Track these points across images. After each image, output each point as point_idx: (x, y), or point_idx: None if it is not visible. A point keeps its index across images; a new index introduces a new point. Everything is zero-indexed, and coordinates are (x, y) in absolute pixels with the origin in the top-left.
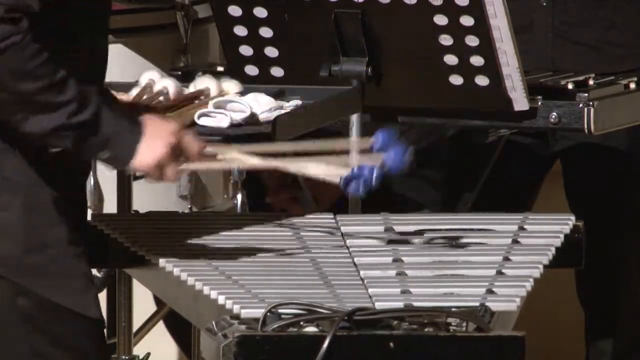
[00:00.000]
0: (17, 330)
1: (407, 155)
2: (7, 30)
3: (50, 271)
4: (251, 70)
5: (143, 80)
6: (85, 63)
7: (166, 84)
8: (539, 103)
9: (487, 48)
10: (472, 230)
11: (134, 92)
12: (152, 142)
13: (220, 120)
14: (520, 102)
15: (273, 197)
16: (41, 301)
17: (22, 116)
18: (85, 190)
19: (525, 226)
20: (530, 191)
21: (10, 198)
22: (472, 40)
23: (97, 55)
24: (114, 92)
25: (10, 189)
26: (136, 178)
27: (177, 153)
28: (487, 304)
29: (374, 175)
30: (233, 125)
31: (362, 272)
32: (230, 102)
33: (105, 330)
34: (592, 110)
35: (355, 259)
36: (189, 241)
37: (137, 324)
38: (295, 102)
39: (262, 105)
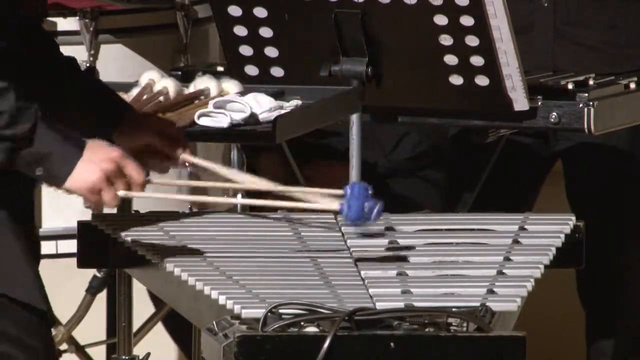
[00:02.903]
0: None
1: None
2: None
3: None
4: (251, 70)
5: (143, 80)
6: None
7: (166, 84)
8: (539, 103)
9: (487, 48)
10: (472, 230)
11: (134, 92)
12: (87, 166)
13: (220, 120)
14: (520, 102)
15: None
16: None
17: None
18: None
19: (526, 226)
20: (530, 191)
21: None
22: (472, 40)
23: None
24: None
25: None
26: None
27: (112, 179)
28: (488, 304)
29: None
30: (233, 125)
31: (362, 272)
32: (230, 102)
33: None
34: (592, 110)
35: (356, 259)
36: (189, 241)
37: (137, 324)
38: (295, 102)
39: (262, 105)
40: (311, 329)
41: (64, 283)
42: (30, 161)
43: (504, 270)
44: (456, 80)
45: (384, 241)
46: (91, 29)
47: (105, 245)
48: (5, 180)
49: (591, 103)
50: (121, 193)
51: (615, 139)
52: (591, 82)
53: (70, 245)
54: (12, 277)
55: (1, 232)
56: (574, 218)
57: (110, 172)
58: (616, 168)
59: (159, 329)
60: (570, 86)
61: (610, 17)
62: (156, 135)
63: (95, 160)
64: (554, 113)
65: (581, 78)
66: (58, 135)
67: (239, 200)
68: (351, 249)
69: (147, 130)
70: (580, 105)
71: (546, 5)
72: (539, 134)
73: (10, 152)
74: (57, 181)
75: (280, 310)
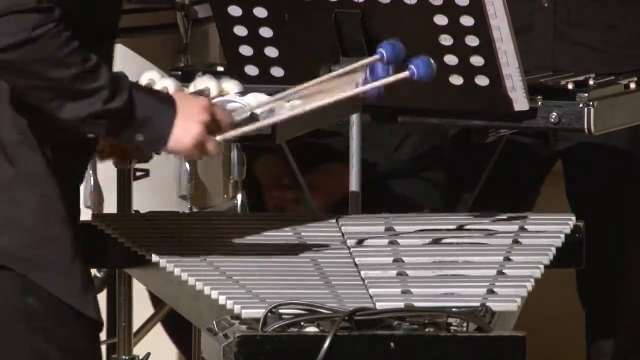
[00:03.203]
0: (19, 327)
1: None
2: (39, 18)
3: (56, 267)
4: (251, 70)
5: (143, 80)
6: None
7: (166, 84)
8: (539, 103)
9: (487, 48)
10: (472, 230)
11: None
12: (186, 123)
13: None
14: (520, 102)
15: (269, 196)
16: (47, 299)
17: (57, 103)
18: (79, 191)
19: (526, 226)
20: (531, 191)
21: (24, 192)
22: (472, 40)
23: (105, 60)
24: None
25: (24, 182)
26: (136, 178)
27: (212, 128)
28: (488, 304)
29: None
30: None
31: (362, 272)
32: (230, 102)
33: (101, 334)
34: (592, 110)
35: (356, 259)
36: (189, 241)
37: (137, 324)
38: (295, 102)
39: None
40: (311, 329)
41: None
42: (131, 129)
43: (504, 270)
44: (456, 80)
45: (384, 241)
46: None
47: (105, 245)
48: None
49: (591, 103)
50: (218, 138)
51: (615, 139)
52: (591, 82)
53: None
54: (70, 280)
55: (62, 230)
56: (574, 218)
57: (208, 122)
58: (616, 168)
59: (159, 329)
60: (570, 86)
61: (611, 17)
62: None
63: (192, 114)
64: (554, 113)
65: (581, 78)
66: (151, 98)
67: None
68: (351, 249)
69: None
70: (580, 105)
71: (546, 5)
72: (539, 134)
73: (113, 126)
74: (160, 144)
75: (280, 310)
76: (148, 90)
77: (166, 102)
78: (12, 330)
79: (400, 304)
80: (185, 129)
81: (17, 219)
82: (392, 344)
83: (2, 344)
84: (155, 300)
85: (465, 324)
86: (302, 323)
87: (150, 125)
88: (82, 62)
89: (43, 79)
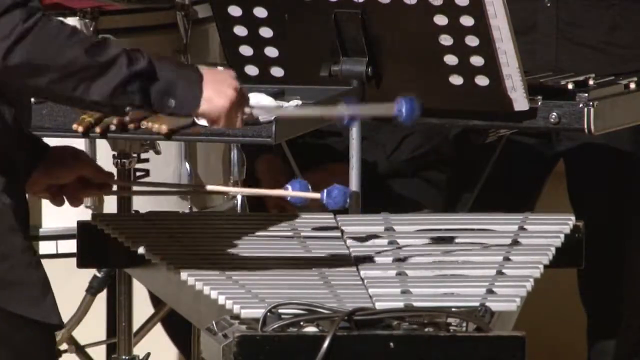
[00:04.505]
0: None
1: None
2: (25, 11)
3: (9, 282)
4: (251, 70)
5: None
6: None
7: None
8: (539, 103)
9: (487, 48)
10: (472, 230)
11: None
12: (220, 87)
13: None
14: (520, 102)
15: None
16: (2, 313)
17: (83, 87)
18: (24, 189)
19: (526, 226)
20: (532, 191)
21: None
22: (472, 40)
23: None
24: None
25: None
26: (136, 178)
27: (241, 100)
28: (487, 304)
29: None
30: None
31: (362, 272)
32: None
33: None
34: (592, 110)
35: (356, 259)
36: (189, 241)
37: (137, 324)
38: (295, 102)
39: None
40: (311, 329)
41: (64, 283)
42: (162, 94)
43: (504, 270)
44: (456, 80)
45: (384, 241)
46: (91, 29)
47: (105, 245)
48: (11, 181)
49: (591, 103)
50: (249, 109)
51: (617, 140)
52: (591, 82)
53: (70, 245)
54: (25, 292)
55: (14, 242)
56: (573, 218)
57: (239, 92)
58: (618, 168)
59: (159, 329)
60: (570, 86)
61: (613, 18)
62: (89, 166)
63: (224, 80)
64: (554, 113)
65: (581, 78)
66: (173, 65)
67: None
68: (351, 249)
69: (79, 161)
70: (580, 105)
71: (549, 5)
72: (542, 134)
73: (144, 90)
74: (192, 107)
75: (280, 310)
76: (168, 58)
77: (188, 67)
78: None
79: (400, 304)
80: (219, 92)
81: None
82: (391, 344)
83: None
84: (155, 300)
85: (464, 324)
86: (301, 323)
87: (179, 88)
88: (86, 39)
89: (58, 68)
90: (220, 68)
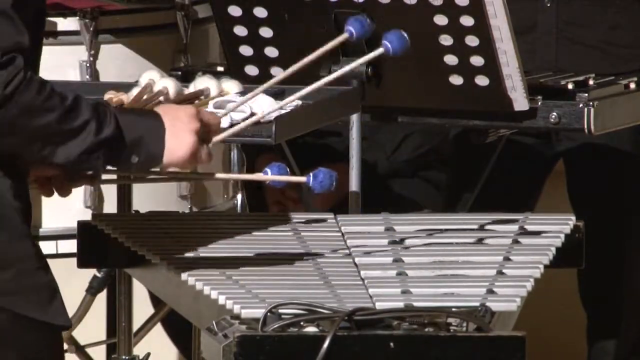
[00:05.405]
0: None
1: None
2: (6, 75)
3: (19, 287)
4: (251, 70)
5: (143, 80)
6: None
7: (166, 84)
8: (539, 103)
9: (487, 48)
10: (472, 230)
11: (134, 92)
12: (178, 134)
13: None
14: (520, 102)
15: (269, 195)
16: (14, 316)
17: (49, 151)
18: (27, 189)
19: (526, 226)
20: (532, 191)
21: None
22: (472, 40)
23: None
24: (114, 93)
25: None
26: None
27: (203, 134)
28: (488, 304)
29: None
30: (233, 125)
31: (362, 272)
32: (230, 102)
33: (101, 334)
34: (592, 110)
35: (356, 259)
36: (189, 241)
37: (137, 324)
38: (296, 102)
39: (262, 105)
40: (311, 329)
41: (64, 283)
42: (126, 154)
43: (504, 270)
44: (456, 80)
45: (384, 241)
46: (91, 29)
47: (105, 245)
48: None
49: (591, 103)
50: (213, 141)
51: (616, 140)
52: (591, 82)
53: (70, 245)
54: (35, 296)
55: (22, 248)
56: (573, 218)
57: (199, 129)
58: (618, 168)
59: (159, 329)
60: (570, 86)
61: (613, 18)
62: None
63: (182, 124)
64: (554, 113)
65: (581, 78)
66: (137, 117)
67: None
68: (351, 249)
69: None
70: (580, 105)
71: (549, 5)
72: (541, 134)
73: (110, 154)
74: (156, 161)
75: (280, 310)
76: (131, 110)
77: (152, 117)
78: None
79: (400, 304)
80: (179, 141)
81: None
82: (391, 343)
83: None
84: (155, 300)
85: (465, 324)
86: (301, 323)
87: (143, 144)
88: (61, 102)
89: (30, 131)
90: (179, 107)
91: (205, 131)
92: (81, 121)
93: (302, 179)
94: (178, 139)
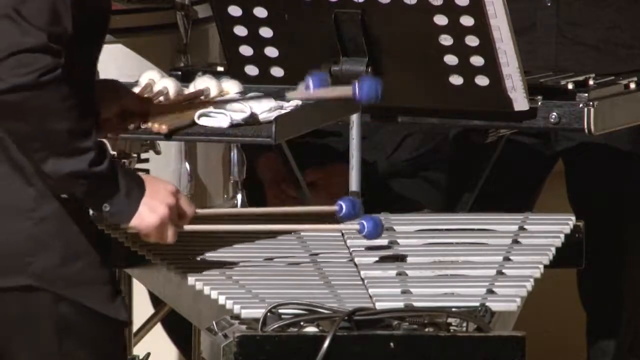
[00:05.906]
0: (52, 334)
1: None
2: (49, 62)
3: (84, 280)
4: (251, 70)
5: (143, 80)
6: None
7: (166, 84)
8: (539, 103)
9: (487, 48)
10: (472, 230)
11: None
12: (152, 204)
13: (220, 120)
14: (520, 102)
15: (270, 193)
16: (79, 309)
17: (43, 155)
18: None
19: (526, 226)
20: (531, 191)
21: (46, 211)
22: (472, 40)
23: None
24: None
25: (45, 201)
26: None
27: (175, 215)
28: (488, 304)
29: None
30: (233, 126)
31: (362, 272)
32: (231, 101)
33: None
34: (592, 110)
35: (356, 259)
36: (189, 241)
37: (137, 324)
38: (295, 102)
39: (262, 105)
40: (311, 329)
41: None
42: (102, 197)
43: (504, 270)
44: (456, 80)
45: (384, 241)
46: None
47: (105, 245)
48: None
49: (591, 103)
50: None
51: (617, 139)
52: (591, 82)
53: None
54: (98, 290)
55: (87, 243)
56: (573, 218)
57: (173, 206)
58: (617, 168)
59: (159, 329)
60: (570, 86)
61: (613, 17)
62: (130, 96)
63: (159, 196)
64: (554, 113)
65: (581, 78)
66: (125, 173)
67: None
68: (351, 249)
69: (120, 93)
70: (580, 105)
71: (549, 5)
72: (541, 134)
73: (91, 188)
74: (123, 219)
75: (280, 310)
76: (121, 165)
77: (137, 180)
78: (43, 337)
79: (400, 304)
80: (151, 208)
81: (44, 240)
82: (391, 344)
83: (33, 351)
84: (155, 300)
85: (465, 324)
86: (301, 323)
87: (119, 198)
88: (79, 118)
89: (38, 129)
90: (162, 181)
91: (179, 213)
92: (85, 146)
93: (348, 89)
94: (152, 206)
